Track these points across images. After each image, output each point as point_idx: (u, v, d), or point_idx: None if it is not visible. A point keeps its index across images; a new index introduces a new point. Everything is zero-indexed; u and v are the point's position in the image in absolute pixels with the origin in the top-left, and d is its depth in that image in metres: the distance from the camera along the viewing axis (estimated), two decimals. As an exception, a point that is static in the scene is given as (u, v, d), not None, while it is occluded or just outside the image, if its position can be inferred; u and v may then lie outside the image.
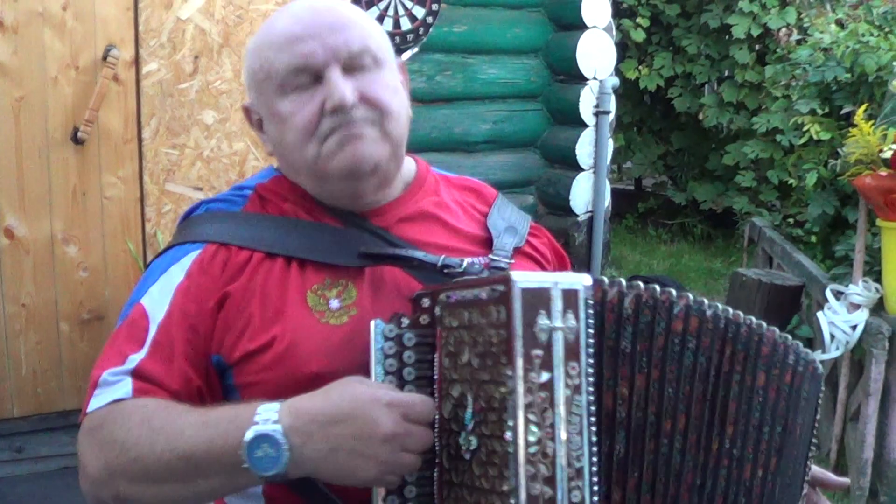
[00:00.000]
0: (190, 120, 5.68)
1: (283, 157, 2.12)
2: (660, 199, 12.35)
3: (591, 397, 1.70)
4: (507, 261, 2.10)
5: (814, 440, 2.08)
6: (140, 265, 5.51)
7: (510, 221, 2.26)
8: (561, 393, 1.67)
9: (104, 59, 5.37)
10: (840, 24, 7.47)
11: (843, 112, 6.66)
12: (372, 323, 1.83)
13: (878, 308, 5.58)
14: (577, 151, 7.85)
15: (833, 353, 5.63)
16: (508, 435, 1.65)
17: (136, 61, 5.53)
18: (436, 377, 1.82)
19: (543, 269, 2.26)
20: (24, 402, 5.47)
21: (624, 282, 1.81)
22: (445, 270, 1.99)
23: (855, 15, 7.41)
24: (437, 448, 1.80)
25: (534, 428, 1.65)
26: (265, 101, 2.07)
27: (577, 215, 7.97)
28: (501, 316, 1.69)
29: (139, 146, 5.59)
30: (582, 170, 7.90)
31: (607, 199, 8.15)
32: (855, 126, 5.47)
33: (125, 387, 1.88)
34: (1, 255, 5.32)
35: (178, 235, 2.11)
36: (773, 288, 6.69)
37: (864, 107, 5.74)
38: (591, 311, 1.73)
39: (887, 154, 5.25)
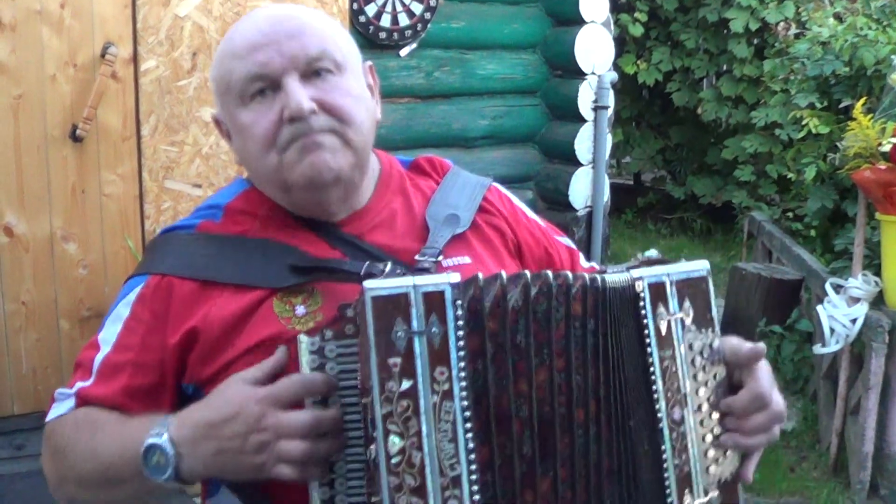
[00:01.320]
0: (188, 117, 5.68)
1: (247, 167, 2.10)
2: (659, 193, 12.35)
3: (466, 402, 1.67)
4: (432, 260, 2.03)
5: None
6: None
7: (454, 206, 2.20)
8: (427, 400, 1.66)
9: (102, 56, 5.37)
10: (838, 17, 7.48)
11: (841, 106, 6.66)
12: (298, 337, 1.81)
13: (878, 301, 5.59)
14: (576, 146, 7.85)
15: (833, 347, 5.64)
16: (372, 447, 1.66)
17: (135, 59, 5.53)
18: (359, 386, 1.77)
19: (491, 247, 2.21)
20: (24, 400, 5.47)
21: (504, 274, 1.77)
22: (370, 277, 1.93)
23: (853, 8, 7.43)
24: (366, 458, 1.75)
25: (395, 438, 1.64)
26: (228, 111, 2.05)
27: (576, 210, 7.97)
28: (360, 326, 1.70)
29: (138, 143, 5.59)
30: (581, 165, 7.89)
31: (606, 194, 8.14)
32: (854, 120, 5.48)
33: (69, 403, 2.01)
34: (0, 252, 5.32)
35: (136, 267, 2.16)
36: (773, 282, 6.71)
37: (862, 100, 5.74)
38: (460, 313, 1.70)
39: (886, 147, 5.25)
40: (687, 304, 1.93)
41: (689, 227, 11.69)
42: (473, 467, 1.66)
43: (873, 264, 5.75)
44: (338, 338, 1.80)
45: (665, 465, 1.87)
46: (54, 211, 5.42)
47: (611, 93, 7.91)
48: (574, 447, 1.77)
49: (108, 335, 2.03)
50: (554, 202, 8.09)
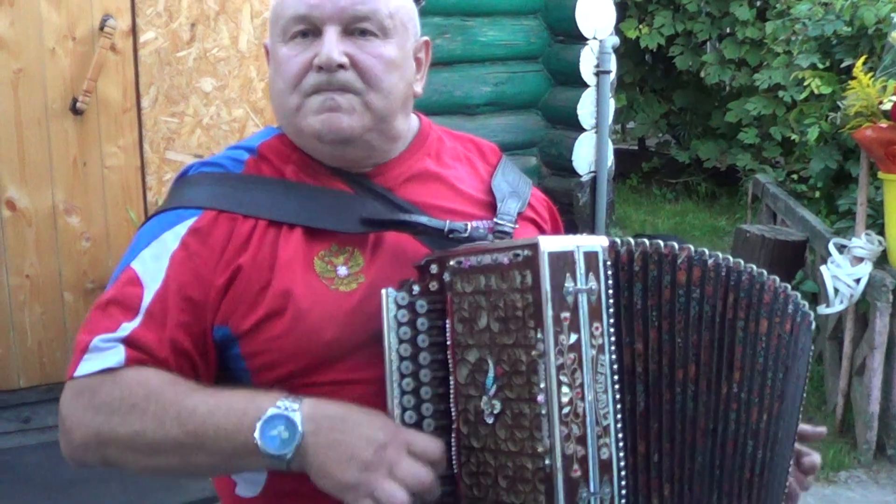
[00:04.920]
0: (188, 88, 5.67)
1: (273, 102, 2.12)
2: (663, 158, 12.33)
3: (614, 356, 1.74)
4: (511, 226, 2.08)
5: (804, 395, 2.09)
6: (142, 234, 5.51)
7: (514, 185, 2.24)
8: (588, 353, 1.71)
9: (101, 29, 5.36)
10: (839, -23, 7.44)
11: (843, 66, 6.65)
12: (383, 291, 1.83)
13: (882, 261, 5.59)
14: (579, 112, 7.84)
15: (837, 307, 5.64)
16: (541, 397, 1.68)
17: (133, 30, 5.52)
18: (448, 343, 1.83)
19: (544, 233, 2.24)
20: (30, 373, 5.49)
21: (631, 240, 1.82)
22: (451, 236, 1.98)
23: (854, -32, 7.39)
24: (453, 414, 1.82)
25: (566, 389, 1.68)
26: (272, 42, 2.07)
27: (580, 176, 7.97)
28: (527, 280, 1.71)
29: (138, 115, 5.59)
30: (584, 130, 7.88)
31: (610, 159, 8.13)
32: (855, 79, 5.47)
33: (117, 355, 1.87)
34: (3, 226, 5.33)
35: (171, 198, 2.08)
36: (777, 243, 6.70)
37: (862, 58, 5.73)
38: (610, 273, 1.76)
39: (887, 106, 5.25)
40: None
41: (693, 191, 11.68)
42: (619, 416, 1.74)
43: (877, 224, 5.75)
44: (424, 294, 1.86)
45: None
46: (56, 184, 5.42)
47: (613, 57, 7.89)
48: (673, 403, 1.82)
49: (153, 269, 1.95)
50: (558, 168, 8.08)
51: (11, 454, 5.26)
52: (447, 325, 1.85)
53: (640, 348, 1.80)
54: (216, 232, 1.96)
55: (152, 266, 1.95)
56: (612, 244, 1.79)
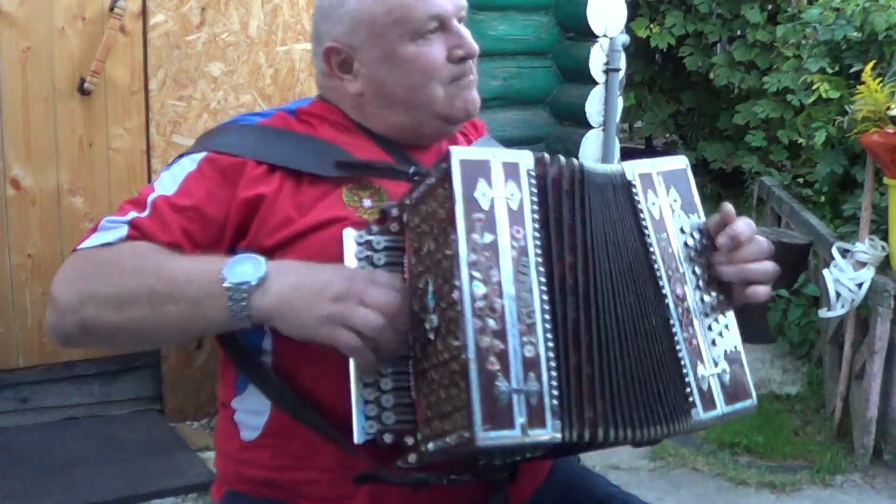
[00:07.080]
0: (197, 72, 5.67)
1: (386, 96, 2.29)
2: (670, 158, 12.31)
3: (540, 259, 1.81)
4: None
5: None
6: (146, 217, 5.51)
7: None
8: (506, 253, 1.77)
9: (111, 10, 5.35)
10: (851, -18, 7.43)
11: (852, 71, 6.64)
12: (344, 231, 1.98)
13: (885, 266, 5.59)
14: (587, 109, 7.82)
15: (839, 311, 5.64)
16: (455, 294, 1.74)
17: (144, 12, 5.51)
18: (406, 277, 1.92)
19: None
20: (30, 353, 5.49)
21: (563, 158, 1.94)
22: (416, 178, 2.07)
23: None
24: (410, 341, 1.87)
25: (478, 284, 1.73)
26: (384, 44, 2.25)
27: (585, 173, 7.95)
28: (446, 190, 1.80)
29: (146, 98, 5.59)
30: (591, 127, 7.86)
31: (617, 157, 8.11)
32: (863, 84, 5.46)
33: (120, 231, 2.07)
34: (7, 205, 5.33)
35: (193, 146, 2.28)
36: (780, 245, 6.68)
37: (871, 63, 5.72)
38: (533, 183, 1.86)
39: (895, 111, 5.24)
40: (673, 191, 2.14)
41: (699, 192, 11.65)
42: (547, 316, 1.77)
43: (881, 229, 5.74)
44: (383, 234, 1.98)
45: (676, 338, 1.98)
46: (61, 164, 5.42)
47: (622, 55, 7.87)
48: (607, 319, 1.87)
49: (168, 182, 2.16)
50: (563, 164, 8.07)
51: (8, 434, 5.28)
52: (405, 262, 1.95)
53: (570, 261, 1.86)
54: (230, 165, 2.15)
55: (167, 180, 2.16)
56: (540, 160, 1.89)
